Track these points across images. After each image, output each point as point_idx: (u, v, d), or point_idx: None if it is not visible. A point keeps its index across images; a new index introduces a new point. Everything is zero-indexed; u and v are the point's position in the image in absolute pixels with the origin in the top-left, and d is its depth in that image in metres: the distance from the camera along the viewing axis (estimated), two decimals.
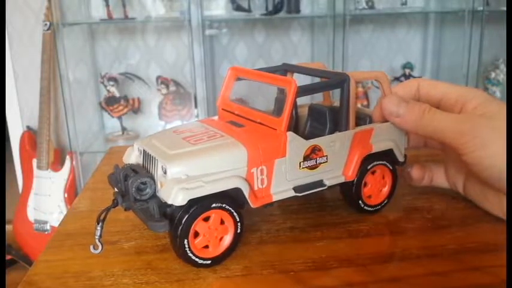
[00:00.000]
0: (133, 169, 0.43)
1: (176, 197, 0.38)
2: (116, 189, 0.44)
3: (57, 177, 1.80)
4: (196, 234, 0.41)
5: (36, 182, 1.80)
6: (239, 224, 0.42)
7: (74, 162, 1.80)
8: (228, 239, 0.42)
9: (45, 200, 1.79)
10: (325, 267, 0.41)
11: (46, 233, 1.79)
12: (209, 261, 0.41)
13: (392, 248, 0.44)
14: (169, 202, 0.38)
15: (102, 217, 0.42)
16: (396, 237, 0.46)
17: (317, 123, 0.51)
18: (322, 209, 0.52)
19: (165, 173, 0.40)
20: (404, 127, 0.47)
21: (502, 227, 0.46)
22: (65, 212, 1.77)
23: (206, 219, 0.41)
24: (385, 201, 0.51)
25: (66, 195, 1.80)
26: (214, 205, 0.41)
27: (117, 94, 1.87)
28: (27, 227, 1.81)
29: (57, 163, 1.84)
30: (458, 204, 0.52)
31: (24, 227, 1.81)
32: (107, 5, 1.76)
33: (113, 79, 1.86)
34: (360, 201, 0.49)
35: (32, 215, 1.81)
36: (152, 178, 0.41)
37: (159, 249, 0.45)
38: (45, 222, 1.79)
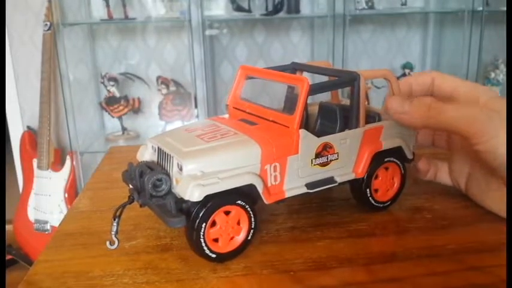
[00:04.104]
0: (149, 166, 0.43)
1: (193, 193, 0.39)
2: (130, 186, 0.45)
3: (57, 177, 1.80)
4: (213, 225, 0.42)
5: (36, 182, 1.81)
6: (252, 230, 0.43)
7: (74, 162, 1.80)
8: (238, 241, 0.43)
9: (46, 200, 1.80)
10: (325, 267, 0.41)
11: (46, 232, 1.79)
12: (214, 255, 0.41)
13: (393, 248, 0.44)
14: (186, 198, 0.39)
15: (118, 213, 0.42)
16: (396, 237, 0.46)
17: (327, 121, 0.52)
18: (323, 209, 0.52)
19: (180, 169, 0.41)
20: (412, 123, 0.47)
21: (502, 227, 0.46)
22: (65, 212, 1.77)
23: (227, 213, 0.42)
24: (394, 198, 0.51)
25: (66, 195, 1.80)
26: (238, 202, 0.42)
27: (117, 94, 1.87)
28: (27, 227, 1.81)
29: (57, 163, 1.84)
30: (459, 204, 0.52)
31: (25, 226, 1.82)
32: (107, 5, 1.76)
33: (113, 79, 1.86)
34: (370, 198, 0.50)
35: (32, 214, 1.81)
36: (167, 175, 0.41)
37: (159, 249, 0.45)
38: (46, 222, 1.79)
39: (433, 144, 0.56)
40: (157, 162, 0.45)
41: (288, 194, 0.44)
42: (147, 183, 0.40)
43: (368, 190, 0.49)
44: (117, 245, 0.42)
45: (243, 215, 0.43)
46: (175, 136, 0.46)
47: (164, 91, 1.88)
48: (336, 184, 0.47)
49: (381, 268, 0.41)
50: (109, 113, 1.89)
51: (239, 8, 1.79)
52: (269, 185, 0.43)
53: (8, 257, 1.84)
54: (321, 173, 0.46)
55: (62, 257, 0.44)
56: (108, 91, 1.86)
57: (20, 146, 1.88)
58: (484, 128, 0.43)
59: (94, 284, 0.39)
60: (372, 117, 0.51)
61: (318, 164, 0.45)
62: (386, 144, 0.49)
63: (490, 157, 0.44)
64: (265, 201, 0.43)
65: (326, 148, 0.45)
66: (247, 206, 0.42)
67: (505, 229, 0.45)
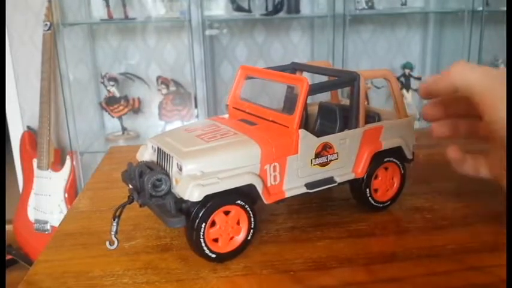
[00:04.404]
0: (148, 166, 0.44)
1: (192, 193, 0.39)
2: (130, 186, 0.45)
3: (57, 177, 1.80)
4: (213, 225, 0.42)
5: (36, 182, 1.81)
6: (252, 230, 0.43)
7: (74, 162, 1.80)
8: (238, 241, 0.43)
9: (46, 200, 1.80)
10: (325, 267, 0.41)
11: (46, 233, 1.79)
12: (214, 255, 0.41)
13: (393, 248, 0.44)
14: (186, 198, 0.39)
15: (118, 213, 0.42)
16: (396, 237, 0.47)
17: (327, 121, 0.52)
18: (323, 209, 0.52)
19: (180, 169, 0.41)
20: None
21: (502, 227, 0.46)
22: (65, 212, 1.77)
23: (227, 213, 0.42)
24: (394, 198, 0.52)
25: (66, 195, 1.80)
26: (238, 202, 0.42)
27: (117, 94, 1.87)
28: (27, 227, 1.81)
29: (57, 163, 1.84)
30: (459, 204, 0.52)
31: (25, 226, 1.81)
32: (107, 5, 1.76)
33: (113, 79, 1.86)
34: (370, 198, 0.50)
35: (32, 215, 1.81)
36: (167, 175, 0.42)
37: (159, 249, 0.45)
38: (46, 222, 1.79)
39: (465, 136, 0.51)
40: (157, 162, 0.45)
41: (287, 194, 0.44)
42: (147, 183, 0.40)
43: (368, 190, 0.49)
44: (117, 245, 0.42)
45: (243, 215, 0.43)
46: (175, 136, 0.46)
47: (164, 91, 1.88)
48: (336, 184, 0.47)
49: (380, 268, 0.41)
50: (109, 113, 1.89)
51: (239, 8, 1.79)
52: (269, 185, 0.43)
53: (8, 257, 1.84)
54: (321, 173, 0.46)
55: (62, 257, 0.44)
56: (108, 91, 1.86)
57: (20, 146, 1.88)
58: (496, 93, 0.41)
59: (94, 284, 0.39)
60: (371, 117, 0.51)
61: (317, 164, 0.45)
62: (386, 144, 0.49)
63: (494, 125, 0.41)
64: (265, 201, 0.43)
65: (326, 148, 0.45)
66: (246, 206, 0.42)
67: (505, 229, 0.45)
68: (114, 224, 0.42)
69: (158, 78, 1.88)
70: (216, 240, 0.42)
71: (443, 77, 0.45)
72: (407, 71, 1.93)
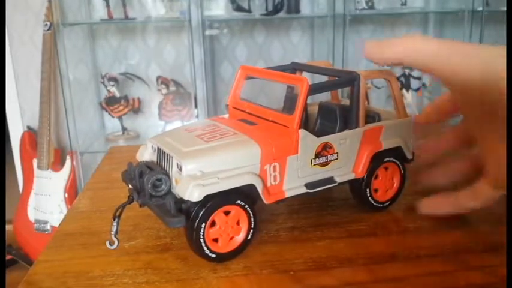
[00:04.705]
0: (148, 166, 0.44)
1: (192, 193, 0.39)
2: (130, 186, 0.45)
3: (57, 177, 1.80)
4: (213, 225, 0.42)
5: (36, 182, 1.81)
6: (252, 230, 0.43)
7: (74, 162, 1.80)
8: (237, 241, 0.43)
9: (46, 200, 1.80)
10: (325, 267, 0.41)
11: (46, 232, 1.79)
12: (214, 255, 0.41)
13: (392, 248, 0.44)
14: (186, 198, 0.39)
15: (118, 213, 0.43)
16: (396, 237, 0.46)
17: (327, 121, 0.52)
18: (323, 209, 0.52)
19: (180, 169, 0.41)
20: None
21: (502, 227, 0.46)
22: (65, 212, 1.77)
23: (227, 213, 0.42)
24: (394, 198, 0.52)
25: (66, 195, 1.80)
26: (238, 202, 0.42)
27: (117, 94, 1.87)
28: (27, 227, 1.81)
29: (57, 163, 1.84)
30: None
31: (25, 226, 1.82)
32: (107, 5, 1.76)
33: (113, 79, 1.86)
34: (370, 198, 0.50)
35: (32, 214, 1.81)
36: (167, 175, 0.42)
37: (159, 249, 0.45)
38: (46, 222, 1.79)
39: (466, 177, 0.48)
40: (157, 162, 0.45)
41: (287, 194, 0.44)
42: (147, 183, 0.41)
43: (368, 190, 0.49)
44: (117, 245, 0.42)
45: (243, 215, 0.43)
46: (175, 136, 0.46)
47: (164, 91, 1.88)
48: (336, 184, 0.47)
49: (380, 268, 0.41)
50: (109, 113, 1.89)
51: (239, 8, 1.79)
52: (269, 185, 0.43)
53: (8, 257, 1.84)
54: (321, 173, 0.46)
55: (62, 257, 0.44)
56: (108, 91, 1.86)
57: (20, 146, 1.88)
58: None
59: (94, 284, 0.39)
60: (371, 117, 0.51)
61: (317, 164, 0.45)
62: (386, 144, 0.49)
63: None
64: (265, 201, 0.43)
65: (326, 148, 0.45)
66: (246, 206, 0.42)
67: (505, 229, 0.45)
68: (114, 224, 0.42)
69: (158, 78, 1.88)
70: (216, 240, 0.42)
71: (390, 44, 0.41)
72: (407, 71, 1.92)
